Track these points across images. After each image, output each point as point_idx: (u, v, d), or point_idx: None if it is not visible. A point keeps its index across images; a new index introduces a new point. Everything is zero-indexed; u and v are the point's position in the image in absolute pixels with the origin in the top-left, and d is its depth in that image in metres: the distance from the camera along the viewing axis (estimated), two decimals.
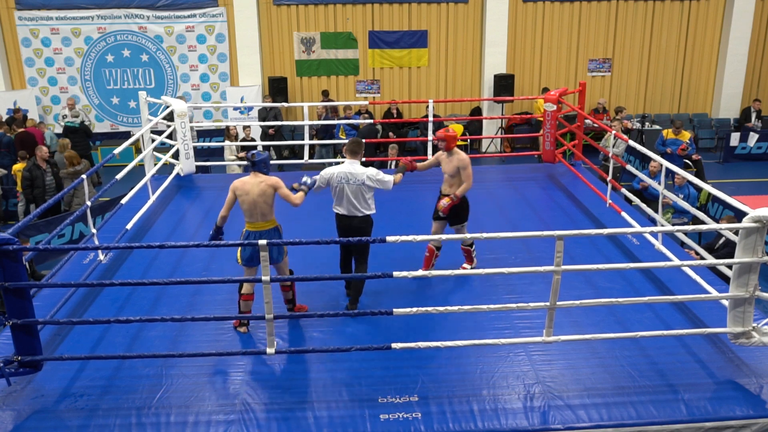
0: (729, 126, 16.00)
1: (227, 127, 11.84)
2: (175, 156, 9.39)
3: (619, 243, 7.01)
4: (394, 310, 4.72)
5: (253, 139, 12.41)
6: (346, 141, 12.63)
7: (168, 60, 15.63)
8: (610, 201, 7.94)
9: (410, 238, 4.82)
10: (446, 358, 5.01)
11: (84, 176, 6.69)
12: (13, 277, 4.42)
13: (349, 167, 5.72)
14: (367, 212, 5.79)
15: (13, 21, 15.06)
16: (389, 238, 4.80)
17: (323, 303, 5.92)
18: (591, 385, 4.72)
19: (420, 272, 5.06)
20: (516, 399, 4.60)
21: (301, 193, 5.51)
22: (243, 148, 11.78)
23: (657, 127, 15.29)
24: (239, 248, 5.41)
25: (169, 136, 9.39)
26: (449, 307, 4.78)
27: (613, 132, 8.51)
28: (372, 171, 5.71)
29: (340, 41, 15.71)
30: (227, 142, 11.43)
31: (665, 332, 5.10)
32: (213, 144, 13.92)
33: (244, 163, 11.26)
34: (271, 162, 11.97)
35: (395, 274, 4.68)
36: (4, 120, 13.70)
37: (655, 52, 16.18)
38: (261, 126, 13.20)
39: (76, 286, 5.83)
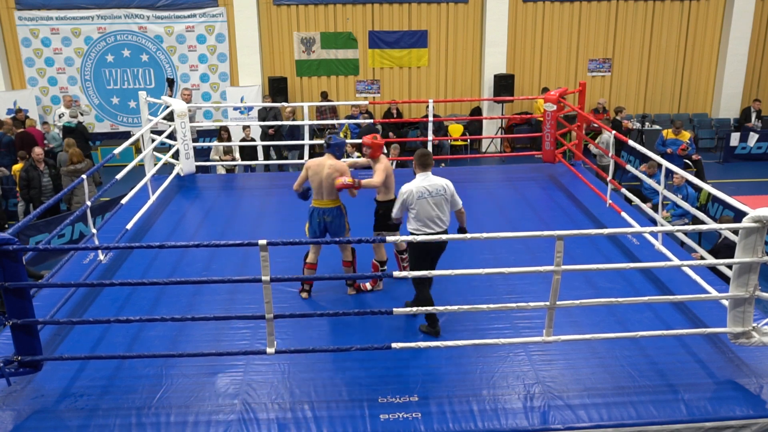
0: (729, 126, 16.00)
1: (220, 130, 11.78)
2: (175, 156, 9.39)
3: (619, 243, 7.01)
4: (394, 309, 4.72)
5: (252, 139, 12.41)
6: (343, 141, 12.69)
7: (168, 60, 15.63)
8: (610, 201, 7.94)
9: (410, 238, 4.82)
10: (446, 358, 5.01)
11: (84, 176, 6.69)
12: (13, 277, 4.42)
13: (425, 180, 5.30)
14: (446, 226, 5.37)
15: (13, 21, 15.07)
16: (389, 238, 4.81)
17: (326, 302, 5.92)
18: (591, 385, 4.72)
19: (420, 272, 5.05)
20: (516, 399, 4.60)
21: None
22: (241, 149, 11.77)
23: (657, 127, 15.30)
24: (307, 223, 5.91)
25: (169, 136, 9.39)
26: (449, 307, 4.79)
27: (614, 133, 8.50)
28: (451, 184, 5.36)
29: (340, 41, 15.71)
30: (215, 143, 11.36)
31: (665, 332, 5.10)
32: (213, 144, 13.89)
33: (229, 163, 11.16)
34: (271, 162, 12.00)
35: (395, 274, 4.68)
36: (9, 120, 13.66)
37: (655, 52, 16.18)
38: (261, 126, 13.20)
39: (76, 286, 5.83)
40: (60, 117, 14.02)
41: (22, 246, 4.48)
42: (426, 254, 5.33)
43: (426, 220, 5.25)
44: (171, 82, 12.00)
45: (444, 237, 4.86)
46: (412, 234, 5.26)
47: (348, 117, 14.27)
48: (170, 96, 11.36)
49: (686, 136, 11.84)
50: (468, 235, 4.85)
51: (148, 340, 5.35)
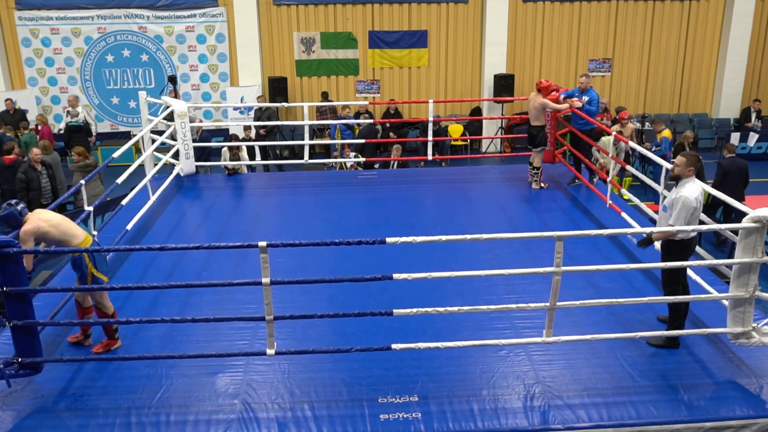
0: (729, 126, 16.00)
1: (231, 136, 11.72)
2: (175, 156, 9.39)
3: (619, 243, 7.01)
4: (394, 310, 4.71)
5: (252, 139, 12.39)
6: (343, 141, 12.68)
7: (168, 60, 15.63)
8: (610, 201, 7.94)
9: (410, 239, 4.81)
10: (446, 358, 5.01)
11: (82, 181, 6.71)
12: (14, 279, 4.42)
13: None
14: None
15: (13, 21, 15.07)
16: (389, 239, 4.79)
17: (323, 303, 5.91)
18: (591, 385, 4.72)
19: (420, 274, 5.04)
20: (516, 399, 4.60)
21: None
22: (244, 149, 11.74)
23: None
24: None
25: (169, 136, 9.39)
26: (449, 308, 4.78)
27: (614, 133, 8.49)
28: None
29: (340, 41, 15.71)
30: (223, 143, 11.31)
31: (665, 333, 5.11)
32: (213, 144, 13.87)
33: (237, 163, 11.05)
34: (270, 162, 11.90)
35: (395, 276, 4.67)
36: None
37: (655, 52, 16.18)
38: (255, 126, 13.19)
39: (75, 290, 5.82)
40: (69, 116, 14.01)
41: (23, 248, 4.48)
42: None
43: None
44: (173, 80, 11.99)
45: (455, 238, 4.84)
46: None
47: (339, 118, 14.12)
48: (173, 94, 11.36)
49: (665, 134, 11.82)
50: (468, 236, 4.84)
51: (147, 339, 5.35)
